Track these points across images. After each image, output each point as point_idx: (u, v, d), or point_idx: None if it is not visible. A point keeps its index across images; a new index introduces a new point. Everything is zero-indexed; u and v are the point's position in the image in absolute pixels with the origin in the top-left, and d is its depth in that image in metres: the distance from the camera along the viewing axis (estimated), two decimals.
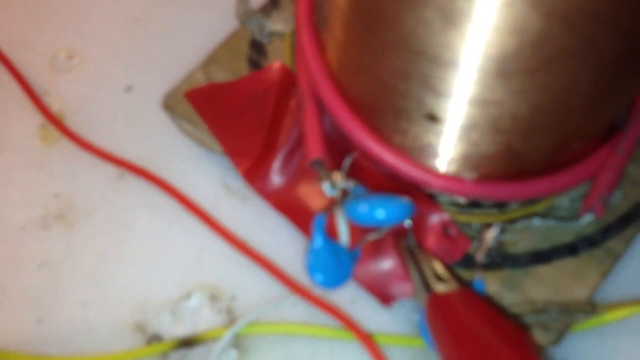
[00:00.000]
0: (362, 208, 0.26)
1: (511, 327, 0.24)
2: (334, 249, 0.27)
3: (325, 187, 0.29)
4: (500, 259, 0.31)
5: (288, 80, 0.34)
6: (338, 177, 0.29)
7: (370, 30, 0.25)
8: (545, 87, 0.23)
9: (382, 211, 0.26)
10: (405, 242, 0.29)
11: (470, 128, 0.27)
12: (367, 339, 0.30)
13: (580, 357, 0.31)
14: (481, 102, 0.25)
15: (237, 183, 0.35)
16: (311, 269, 0.27)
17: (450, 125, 0.27)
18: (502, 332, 0.23)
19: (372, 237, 0.29)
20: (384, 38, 0.25)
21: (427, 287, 0.26)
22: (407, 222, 0.29)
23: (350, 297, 0.32)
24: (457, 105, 0.25)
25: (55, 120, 0.36)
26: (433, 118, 0.27)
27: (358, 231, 0.30)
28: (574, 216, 0.30)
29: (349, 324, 0.30)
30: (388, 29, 0.24)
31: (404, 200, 0.27)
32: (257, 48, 0.36)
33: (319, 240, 0.27)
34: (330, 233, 0.29)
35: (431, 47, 0.23)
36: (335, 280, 0.27)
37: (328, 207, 0.28)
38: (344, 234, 0.28)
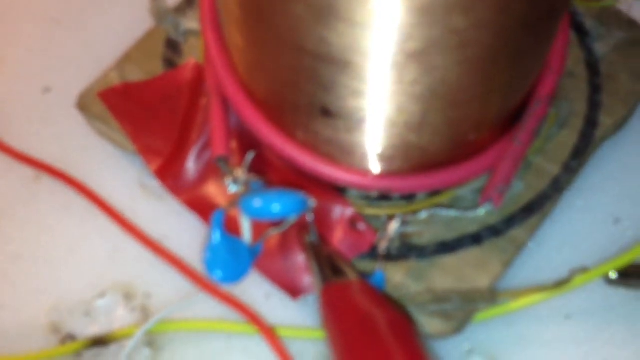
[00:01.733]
0: (257, 202, 0.26)
1: (396, 315, 0.24)
2: (232, 244, 0.28)
3: (229, 183, 0.29)
4: (406, 250, 0.31)
5: (201, 78, 0.34)
6: (240, 173, 0.29)
7: (256, 27, 0.26)
8: (418, 80, 0.23)
9: (277, 205, 0.26)
10: (307, 236, 0.29)
11: (362, 122, 0.27)
12: (269, 332, 0.30)
13: (489, 345, 0.31)
14: (365, 96, 0.25)
15: (154, 182, 0.35)
16: (209, 266, 0.27)
17: (344, 119, 0.27)
18: (386, 320, 0.24)
19: (273, 231, 0.29)
20: (268, 34, 0.25)
21: (323, 279, 0.27)
22: (309, 216, 0.29)
23: (265, 292, 0.32)
24: (345, 100, 0.26)
25: None
26: (327, 113, 0.27)
27: (263, 226, 0.30)
28: (476, 206, 0.31)
29: (253, 318, 0.30)
30: (270, 26, 0.24)
31: (300, 194, 0.27)
32: (173, 47, 0.36)
33: (216, 236, 0.27)
34: (235, 228, 0.29)
35: (308, 42, 0.23)
36: (233, 275, 0.28)
37: (229, 203, 0.29)
38: (245, 229, 0.28)
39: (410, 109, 0.25)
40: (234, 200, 0.28)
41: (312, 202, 0.28)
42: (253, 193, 0.27)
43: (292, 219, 0.29)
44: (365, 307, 0.24)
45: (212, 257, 0.27)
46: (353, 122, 0.27)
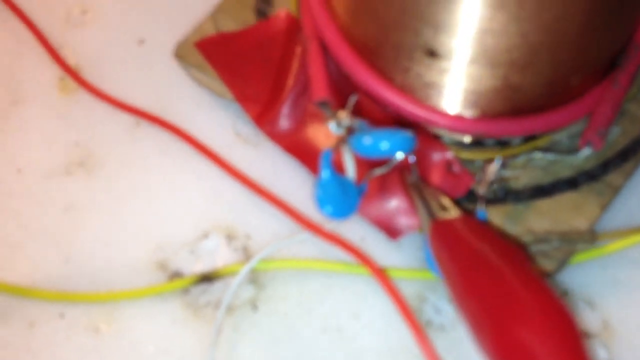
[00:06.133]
0: (367, 140, 0.27)
1: (514, 248, 0.25)
2: (341, 182, 0.29)
3: (332, 126, 0.30)
4: (503, 194, 0.32)
5: (294, 28, 0.35)
6: (343, 115, 0.30)
7: None
8: (536, 16, 0.24)
9: (386, 143, 0.27)
10: (411, 177, 0.30)
11: (468, 62, 0.27)
12: (380, 273, 0.31)
13: (585, 287, 0.32)
14: (476, 34, 0.26)
15: (248, 130, 0.36)
16: (320, 202, 0.28)
17: (449, 60, 0.28)
18: (506, 253, 0.24)
19: (378, 172, 0.30)
20: None
21: (430, 215, 0.27)
22: (412, 158, 0.30)
23: (360, 235, 0.34)
24: (454, 39, 0.26)
25: (72, 73, 0.38)
26: (432, 53, 0.28)
27: (364, 168, 0.31)
28: (574, 151, 0.31)
29: (363, 259, 0.31)
30: None
31: (407, 133, 0.28)
32: None
33: (326, 174, 0.28)
34: (338, 169, 0.31)
35: None
36: (343, 211, 0.29)
37: (335, 144, 0.30)
38: (350, 168, 0.29)
39: (518, 48, 0.26)
40: (342, 140, 0.29)
41: (418, 144, 0.29)
42: (362, 131, 0.28)
43: (397, 159, 0.29)
44: (477, 238, 0.25)
45: (323, 193, 0.28)
46: (458, 63, 0.28)
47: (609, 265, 0.32)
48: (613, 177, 0.32)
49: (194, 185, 0.35)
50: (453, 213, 0.27)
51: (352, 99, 0.31)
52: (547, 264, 0.30)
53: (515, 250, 0.25)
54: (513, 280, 0.23)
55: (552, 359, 0.20)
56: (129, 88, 0.38)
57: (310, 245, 0.34)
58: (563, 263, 0.30)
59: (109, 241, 0.34)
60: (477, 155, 0.32)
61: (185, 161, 0.36)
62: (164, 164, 0.36)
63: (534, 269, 0.24)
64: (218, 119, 0.37)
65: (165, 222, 0.35)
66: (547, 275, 0.30)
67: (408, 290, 0.32)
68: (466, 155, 0.32)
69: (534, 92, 0.30)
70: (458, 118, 0.31)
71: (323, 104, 0.31)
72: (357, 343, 0.32)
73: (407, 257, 0.33)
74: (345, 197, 0.29)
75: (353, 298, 0.33)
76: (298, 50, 0.34)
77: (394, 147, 0.28)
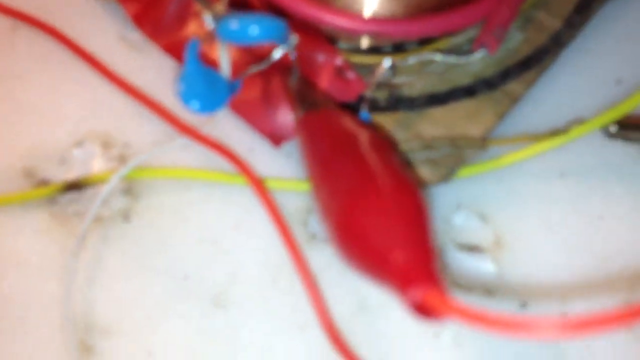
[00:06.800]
0: (234, 25, 0.25)
1: (380, 138, 0.23)
2: (208, 75, 0.26)
3: (207, 19, 0.27)
4: (395, 101, 0.30)
5: None
6: (220, 7, 0.27)
7: None
8: None
9: (255, 27, 0.25)
10: (292, 78, 0.28)
11: None
12: (257, 183, 0.29)
13: (478, 200, 0.30)
14: None
15: (134, 34, 0.33)
16: (184, 96, 0.26)
17: None
18: (370, 141, 0.22)
19: (255, 68, 0.28)
20: None
21: (303, 110, 0.25)
22: (292, 54, 0.27)
23: (248, 146, 0.31)
24: None
25: None
26: None
27: (244, 66, 0.28)
28: (469, 53, 0.29)
29: (241, 166, 0.29)
30: None
31: (280, 20, 0.26)
32: None
33: (191, 65, 0.26)
34: (214, 65, 0.28)
35: None
36: (211, 105, 0.26)
37: (204, 35, 0.27)
38: (224, 59, 0.27)
39: None
40: (214, 31, 0.26)
41: (295, 37, 0.27)
42: (230, 16, 0.26)
43: (275, 56, 0.27)
44: (345, 127, 0.23)
45: (187, 87, 0.25)
46: None
47: (504, 179, 0.30)
48: (513, 86, 0.30)
49: (72, 93, 0.32)
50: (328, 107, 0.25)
51: None
52: (436, 172, 0.28)
53: (381, 140, 0.23)
54: (371, 164, 0.21)
55: (397, 235, 0.18)
56: None
57: (193, 155, 0.31)
58: (453, 171, 0.28)
59: None
60: (370, 59, 0.30)
61: (64, 67, 0.33)
62: (41, 69, 0.33)
63: (397, 158, 0.22)
64: (104, 24, 0.34)
65: (37, 129, 0.32)
66: (436, 183, 0.28)
67: (295, 202, 0.30)
68: (359, 59, 0.30)
69: None
70: (350, 17, 0.29)
71: None
72: (234, 255, 0.29)
73: (297, 170, 0.31)
74: (213, 92, 0.26)
75: (233, 210, 0.30)
76: None
77: (264, 33, 0.25)
